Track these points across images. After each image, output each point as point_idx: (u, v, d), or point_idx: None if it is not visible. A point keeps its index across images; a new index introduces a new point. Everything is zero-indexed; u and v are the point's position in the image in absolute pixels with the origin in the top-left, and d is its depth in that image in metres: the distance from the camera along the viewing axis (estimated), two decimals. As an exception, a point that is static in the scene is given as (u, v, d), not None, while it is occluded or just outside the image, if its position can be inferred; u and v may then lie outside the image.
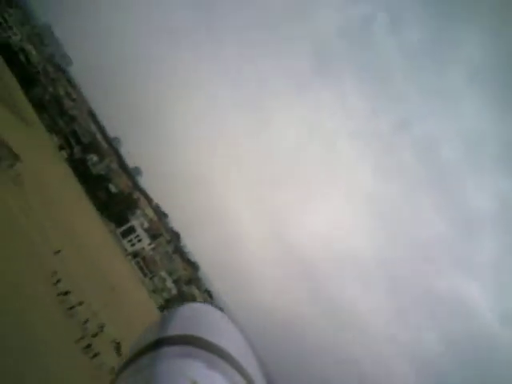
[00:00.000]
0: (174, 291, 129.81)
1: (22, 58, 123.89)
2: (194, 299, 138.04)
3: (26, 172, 47.76)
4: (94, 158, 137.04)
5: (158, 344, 1.10)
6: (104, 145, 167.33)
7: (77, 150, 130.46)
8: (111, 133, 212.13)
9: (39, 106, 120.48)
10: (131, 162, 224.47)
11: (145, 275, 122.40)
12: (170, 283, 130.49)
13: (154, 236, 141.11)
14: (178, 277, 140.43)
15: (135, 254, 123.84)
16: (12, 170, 44.16)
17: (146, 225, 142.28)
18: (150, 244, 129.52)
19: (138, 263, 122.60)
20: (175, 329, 1.17)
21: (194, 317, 1.32)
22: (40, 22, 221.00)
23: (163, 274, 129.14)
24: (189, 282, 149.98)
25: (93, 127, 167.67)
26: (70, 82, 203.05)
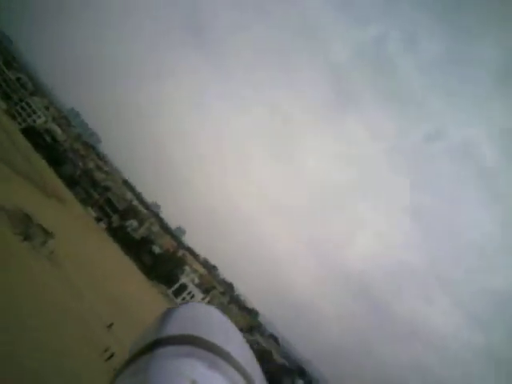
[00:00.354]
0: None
1: (47, 138, 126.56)
2: (259, 346, 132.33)
3: (61, 248, 45.79)
4: (134, 223, 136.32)
5: (158, 344, 1.11)
6: (142, 209, 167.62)
7: (115, 218, 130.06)
8: (149, 198, 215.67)
9: (71, 182, 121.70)
10: (173, 223, 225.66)
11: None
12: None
13: (206, 290, 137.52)
14: (238, 327, 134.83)
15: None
16: (45, 247, 42.13)
17: (196, 280, 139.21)
18: (203, 298, 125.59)
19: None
20: (175, 328, 1.18)
21: (193, 316, 1.32)
22: (66, 107, 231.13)
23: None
24: (250, 329, 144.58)
25: (129, 195, 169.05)
26: (99, 156, 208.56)
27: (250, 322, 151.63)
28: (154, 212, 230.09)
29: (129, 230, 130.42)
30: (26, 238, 39.95)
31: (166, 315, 1.33)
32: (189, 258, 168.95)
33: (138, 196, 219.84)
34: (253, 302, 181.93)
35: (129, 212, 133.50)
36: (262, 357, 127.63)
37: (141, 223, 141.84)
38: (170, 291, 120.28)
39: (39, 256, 40.24)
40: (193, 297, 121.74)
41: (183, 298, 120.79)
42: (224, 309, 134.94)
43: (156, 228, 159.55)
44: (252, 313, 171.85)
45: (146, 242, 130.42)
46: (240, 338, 1.32)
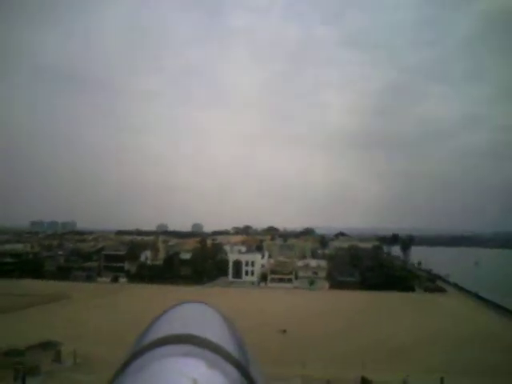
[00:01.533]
0: None
1: (9, 260, 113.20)
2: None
3: None
4: (147, 253, 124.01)
5: (158, 343, 1.10)
6: (148, 238, 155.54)
7: (127, 265, 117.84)
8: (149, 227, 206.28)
9: (62, 273, 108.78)
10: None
11: None
12: None
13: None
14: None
15: None
16: None
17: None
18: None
19: None
20: (175, 328, 1.18)
21: (193, 316, 1.32)
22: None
23: None
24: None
25: (127, 238, 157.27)
26: (79, 233, 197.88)
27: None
28: (161, 232, 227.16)
29: (147, 262, 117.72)
30: None
31: (166, 314, 1.32)
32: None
33: (140, 232, 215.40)
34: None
35: (133, 252, 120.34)
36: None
37: (155, 249, 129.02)
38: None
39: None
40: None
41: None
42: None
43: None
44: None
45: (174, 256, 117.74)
46: (240, 337, 1.31)
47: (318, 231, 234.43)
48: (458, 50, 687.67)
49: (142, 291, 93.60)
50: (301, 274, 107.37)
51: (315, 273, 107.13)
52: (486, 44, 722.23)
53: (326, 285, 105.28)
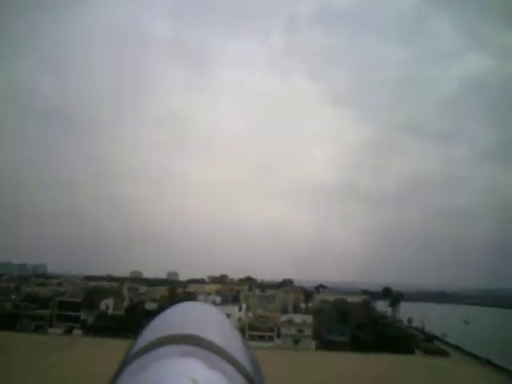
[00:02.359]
0: None
1: None
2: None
3: None
4: (108, 302, 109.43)
5: (158, 343, 1.09)
6: (111, 284, 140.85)
7: (83, 314, 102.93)
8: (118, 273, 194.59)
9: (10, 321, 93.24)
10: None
11: None
12: None
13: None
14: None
15: None
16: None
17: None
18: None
19: None
20: (174, 328, 1.17)
21: (193, 316, 1.31)
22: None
23: None
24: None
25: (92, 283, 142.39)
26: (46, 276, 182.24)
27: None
28: (132, 278, 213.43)
29: (108, 311, 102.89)
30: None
31: (165, 314, 1.32)
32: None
33: (111, 278, 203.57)
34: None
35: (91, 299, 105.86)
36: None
37: (119, 297, 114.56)
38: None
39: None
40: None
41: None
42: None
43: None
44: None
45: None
46: (240, 337, 1.31)
47: (297, 283, 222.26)
48: (437, 110, 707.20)
49: (97, 346, 78.72)
50: (283, 330, 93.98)
51: (300, 330, 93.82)
52: (464, 105, 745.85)
53: (313, 344, 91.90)
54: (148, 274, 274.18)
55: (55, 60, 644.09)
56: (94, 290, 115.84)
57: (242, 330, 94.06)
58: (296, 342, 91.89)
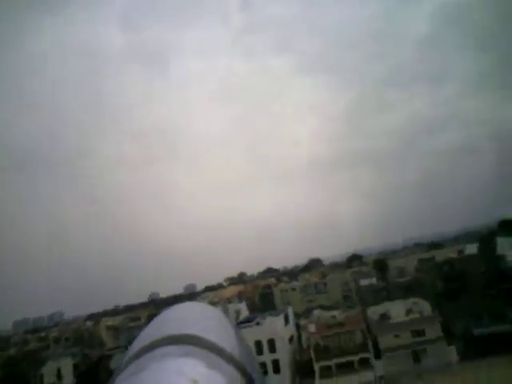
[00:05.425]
0: None
1: None
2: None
3: None
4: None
5: (157, 343, 1.09)
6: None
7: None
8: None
9: None
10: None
11: None
12: None
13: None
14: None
15: None
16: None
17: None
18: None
19: None
20: (175, 328, 1.16)
21: (192, 316, 1.31)
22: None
23: None
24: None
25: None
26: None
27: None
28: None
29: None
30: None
31: (165, 314, 1.31)
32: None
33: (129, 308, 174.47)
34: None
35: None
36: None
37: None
38: None
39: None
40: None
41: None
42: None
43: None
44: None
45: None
46: (239, 336, 1.31)
47: (325, 261, 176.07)
48: (418, 52, 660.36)
49: None
50: (383, 341, 46.99)
51: (419, 332, 46.63)
52: (444, 40, 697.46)
53: (454, 354, 45.13)
54: (166, 292, 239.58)
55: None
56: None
57: (301, 365, 47.23)
58: (416, 356, 45.30)
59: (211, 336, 1.14)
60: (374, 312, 52.47)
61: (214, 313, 1.36)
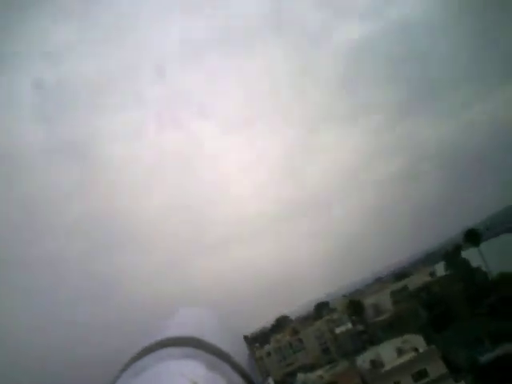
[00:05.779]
0: None
1: None
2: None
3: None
4: None
5: (158, 345, 1.10)
6: None
7: None
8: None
9: None
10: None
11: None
12: None
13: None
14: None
15: None
16: None
17: None
18: None
19: None
20: (176, 330, 1.18)
21: (193, 318, 1.33)
22: None
23: None
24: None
25: None
26: None
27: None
28: None
29: None
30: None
31: (167, 317, 1.33)
32: None
33: None
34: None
35: None
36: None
37: None
38: None
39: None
40: None
41: None
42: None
43: None
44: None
45: None
46: (239, 339, 1.33)
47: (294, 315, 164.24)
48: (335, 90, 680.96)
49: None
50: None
51: (421, 373, 39.89)
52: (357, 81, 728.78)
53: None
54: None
55: None
56: None
57: None
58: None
59: (212, 338, 1.14)
60: (363, 361, 45.80)
61: (215, 315, 1.36)
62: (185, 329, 1.19)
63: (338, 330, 73.60)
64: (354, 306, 76.53)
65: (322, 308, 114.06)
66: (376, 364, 44.50)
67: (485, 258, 66.09)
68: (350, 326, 74.53)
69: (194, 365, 1.01)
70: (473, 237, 73.77)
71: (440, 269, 79.59)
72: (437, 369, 39.54)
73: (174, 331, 1.17)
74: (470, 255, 71.47)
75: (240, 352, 1.21)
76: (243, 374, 1.11)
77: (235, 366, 1.10)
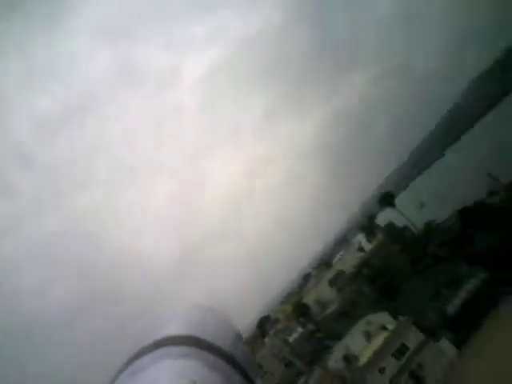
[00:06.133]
0: None
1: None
2: None
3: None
4: None
5: (158, 344, 1.10)
6: None
7: None
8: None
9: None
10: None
11: None
12: None
13: None
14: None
15: None
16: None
17: None
18: None
19: None
20: (175, 329, 1.18)
21: (193, 318, 1.31)
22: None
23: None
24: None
25: None
26: None
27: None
28: None
29: None
30: None
31: (167, 316, 1.32)
32: None
33: None
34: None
35: None
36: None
37: None
38: None
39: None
40: None
41: None
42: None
43: None
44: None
45: None
46: (240, 339, 1.32)
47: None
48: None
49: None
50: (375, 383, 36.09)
51: (401, 350, 36.65)
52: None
53: (450, 347, 36.09)
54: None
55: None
56: None
57: None
58: (418, 379, 35.30)
59: (211, 337, 1.13)
60: (335, 361, 41.59)
61: (217, 316, 1.34)
62: (184, 327, 1.17)
63: (291, 339, 69.06)
64: (297, 308, 72.62)
65: (264, 322, 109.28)
66: (349, 358, 40.59)
67: (405, 215, 66.29)
68: (300, 329, 70.46)
69: (194, 364, 1.00)
70: (387, 198, 73.79)
71: (363, 241, 78.34)
72: (414, 338, 36.59)
73: (172, 330, 1.15)
74: (390, 215, 71.39)
75: (239, 350, 1.18)
76: (243, 374, 1.09)
77: (235, 366, 1.09)
